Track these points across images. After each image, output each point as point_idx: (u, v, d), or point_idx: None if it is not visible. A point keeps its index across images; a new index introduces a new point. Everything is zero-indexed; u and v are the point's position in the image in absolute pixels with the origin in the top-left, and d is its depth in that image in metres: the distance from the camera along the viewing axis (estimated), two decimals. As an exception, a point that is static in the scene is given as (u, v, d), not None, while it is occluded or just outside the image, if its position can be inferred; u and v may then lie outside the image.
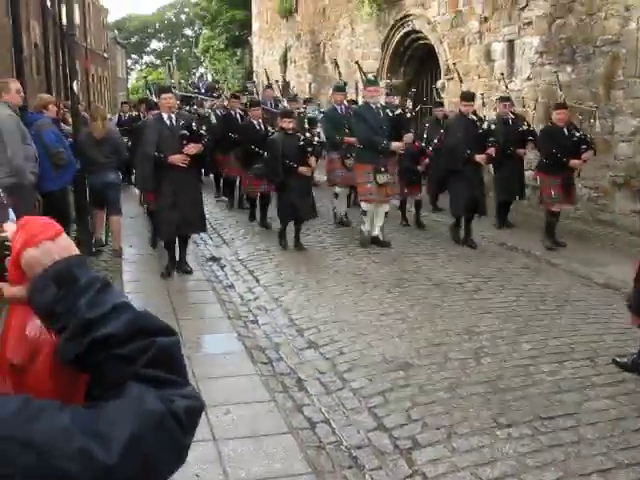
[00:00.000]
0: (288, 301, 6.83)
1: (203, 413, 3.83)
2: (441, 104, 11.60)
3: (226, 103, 13.17)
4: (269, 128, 10.26)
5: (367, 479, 3.68)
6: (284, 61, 23.15)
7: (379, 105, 9.06)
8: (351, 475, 3.72)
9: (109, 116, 17.42)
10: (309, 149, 8.78)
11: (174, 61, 11.84)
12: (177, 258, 7.73)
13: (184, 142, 7.25)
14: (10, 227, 1.14)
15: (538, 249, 8.74)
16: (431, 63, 15.23)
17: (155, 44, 70.38)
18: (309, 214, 9.03)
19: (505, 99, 10.26)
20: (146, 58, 72.31)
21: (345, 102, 10.94)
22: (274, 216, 9.81)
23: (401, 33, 15.73)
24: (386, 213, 9.28)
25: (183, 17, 67.45)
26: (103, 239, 9.11)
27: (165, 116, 7.42)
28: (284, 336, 5.89)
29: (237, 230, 10.40)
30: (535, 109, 11.36)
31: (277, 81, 15.53)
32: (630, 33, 9.51)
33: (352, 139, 9.78)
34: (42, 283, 1.08)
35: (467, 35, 13.26)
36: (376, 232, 9.11)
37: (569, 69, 10.72)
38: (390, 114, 8.97)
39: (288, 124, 8.89)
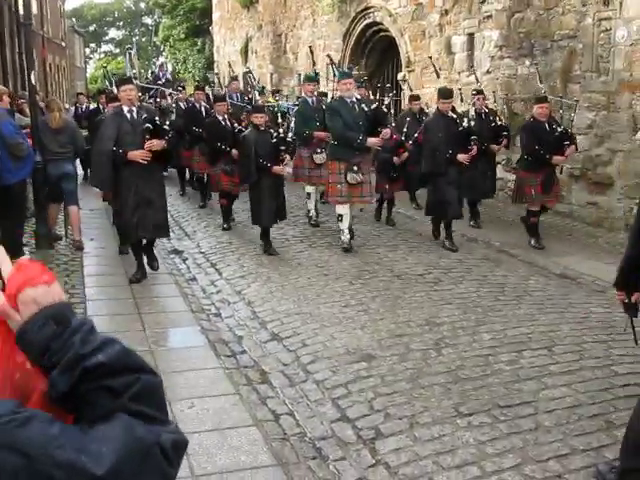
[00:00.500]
0: (251, 294, 6.85)
1: (168, 406, 3.86)
2: (417, 97, 11.11)
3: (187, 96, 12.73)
4: (235, 124, 9.79)
5: (331, 470, 3.74)
6: (245, 51, 23.04)
7: (354, 99, 8.50)
8: (315, 466, 3.77)
9: (66, 106, 17.15)
10: (283, 146, 8.35)
11: (134, 50, 11.32)
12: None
13: (147, 137, 6.76)
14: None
15: (497, 240, 8.89)
16: (392, 55, 15.32)
17: (114, 33, 69.52)
18: (282, 215, 8.61)
19: (479, 92, 9.96)
20: (105, 47, 71.36)
21: (316, 93, 10.41)
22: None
23: (362, 25, 15.80)
24: (361, 209, 9.09)
25: (142, 5, 66.53)
26: (63, 233, 9.01)
27: (125, 109, 6.93)
28: (247, 329, 5.92)
29: (199, 223, 10.37)
30: (495, 102, 11.50)
31: (249, 71, 14.78)
32: (586, 28, 9.69)
33: (322, 134, 9.52)
34: (41, 320, 1.12)
35: (428, 28, 13.37)
36: (345, 238, 8.58)
37: (527, 63, 10.89)
38: (366, 108, 8.40)
39: (260, 119, 8.39)
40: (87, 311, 6.18)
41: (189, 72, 34.81)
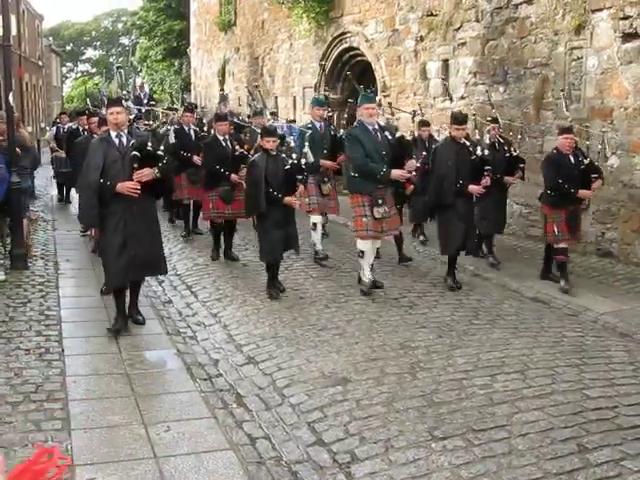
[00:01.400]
0: (227, 317, 6.87)
1: (144, 430, 3.82)
2: (426, 123, 10.43)
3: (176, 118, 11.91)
4: (236, 147, 9.12)
5: (307, 494, 3.75)
6: (222, 74, 23.14)
7: (376, 126, 7.62)
8: (291, 490, 3.78)
9: (47, 127, 17.26)
10: (299, 175, 7.45)
11: (116, 72, 10.65)
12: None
13: (134, 166, 5.94)
14: None
15: (471, 264, 8.98)
16: (368, 79, 15.47)
17: (91, 52, 69.49)
18: (292, 244, 7.66)
19: (494, 120, 9.27)
20: (81, 66, 71.25)
21: (324, 118, 9.59)
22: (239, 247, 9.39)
23: (339, 49, 15.95)
24: (378, 249, 8.31)
25: (120, 26, 66.66)
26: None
27: (113, 134, 6.11)
28: (223, 352, 5.93)
29: (175, 244, 10.37)
30: (476, 127, 11.66)
31: (256, 86, 14.19)
32: (558, 56, 9.91)
33: (329, 163, 9.11)
34: None
35: (403, 53, 13.55)
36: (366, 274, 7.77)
37: (501, 89, 11.08)
38: (389, 137, 7.57)
39: (272, 144, 7.41)
40: (62, 333, 6.15)
41: (166, 93, 34.82)
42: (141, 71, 39.23)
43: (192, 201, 10.83)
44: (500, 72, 11.07)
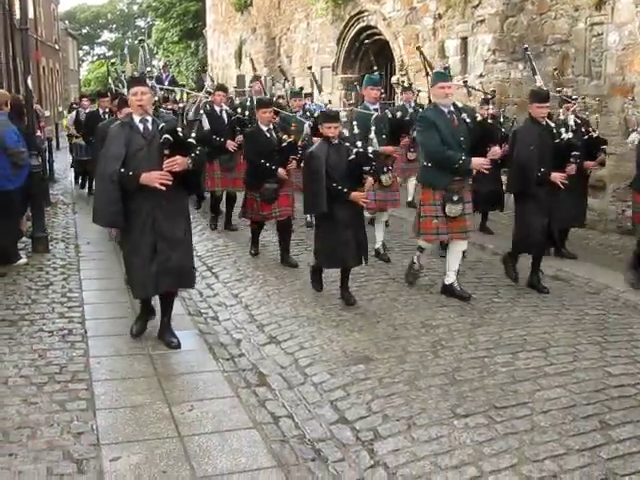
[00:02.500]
0: (248, 297, 6.90)
1: (167, 410, 3.88)
2: (488, 101, 9.44)
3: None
4: (284, 137, 8.01)
5: (331, 471, 3.78)
6: (239, 55, 23.08)
7: (452, 108, 6.59)
8: (315, 467, 3.81)
9: (64, 111, 16.60)
10: (366, 167, 6.33)
11: (143, 47, 9.38)
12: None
13: (165, 154, 5.09)
14: None
15: (491, 242, 8.94)
16: (385, 58, 15.38)
17: (107, 35, 69.61)
18: (363, 256, 6.65)
19: (572, 99, 8.45)
20: (98, 49, 71.40)
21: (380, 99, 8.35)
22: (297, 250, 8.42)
23: (356, 28, 15.86)
24: (464, 252, 7.16)
25: (135, 8, 66.63)
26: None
27: (137, 119, 5.28)
28: (245, 332, 5.96)
29: (194, 226, 10.36)
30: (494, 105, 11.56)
31: (309, 67, 12.20)
32: (579, 32, 9.79)
33: (390, 148, 7.91)
34: None
35: (421, 32, 13.44)
36: (452, 280, 6.84)
37: (521, 67, 10.97)
38: (468, 120, 6.59)
39: (334, 131, 6.43)
40: (85, 315, 6.21)
41: (183, 75, 34.83)
42: (157, 53, 39.21)
43: (226, 193, 9.99)
44: (519, 49, 10.95)
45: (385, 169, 7.78)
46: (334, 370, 5.04)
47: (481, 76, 11.87)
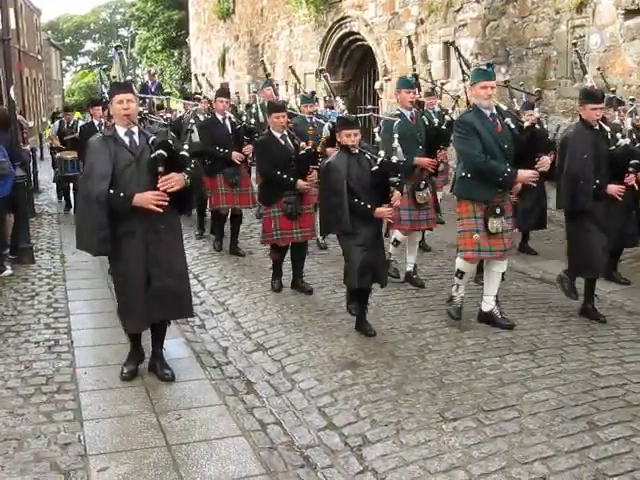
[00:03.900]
0: (234, 304, 6.87)
1: (155, 419, 3.85)
2: (531, 106, 8.46)
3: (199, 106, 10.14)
4: (301, 144, 7.03)
5: (319, 477, 3.77)
6: (223, 62, 23.08)
7: (494, 111, 5.82)
8: (304, 474, 3.80)
9: (48, 121, 15.66)
10: (393, 178, 5.57)
11: (115, 54, 8.42)
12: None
13: (160, 171, 4.55)
14: None
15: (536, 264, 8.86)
16: (369, 64, 15.43)
17: (90, 45, 69.34)
18: (381, 277, 5.93)
19: (619, 102, 7.76)
20: (81, 59, 71.15)
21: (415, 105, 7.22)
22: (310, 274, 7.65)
23: (339, 34, 15.90)
24: (503, 274, 6.30)
25: (118, 17, 66.55)
26: None
27: (121, 131, 4.74)
28: (232, 340, 5.94)
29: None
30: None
31: (323, 69, 10.27)
32: (560, 35, 9.86)
33: (426, 160, 6.91)
34: None
35: (404, 37, 13.48)
36: (491, 307, 6.08)
37: (503, 70, 11.02)
38: (512, 125, 5.80)
39: (354, 139, 5.71)
40: (71, 325, 6.17)
41: (166, 83, 34.78)
42: (141, 62, 39.19)
43: (230, 211, 8.98)
44: (502, 53, 11.02)
45: (422, 185, 6.98)
46: (321, 376, 5.03)
47: (464, 80, 11.90)
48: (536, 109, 8.42)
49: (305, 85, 15.91)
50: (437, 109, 9.42)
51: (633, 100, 7.82)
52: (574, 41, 8.37)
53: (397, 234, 7.28)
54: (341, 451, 4.02)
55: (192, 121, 9.37)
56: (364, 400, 4.61)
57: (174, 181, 4.59)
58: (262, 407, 4.63)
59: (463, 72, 7.13)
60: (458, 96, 9.18)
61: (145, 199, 4.59)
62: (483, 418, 4.31)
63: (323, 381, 4.95)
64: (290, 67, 11.13)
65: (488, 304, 6.08)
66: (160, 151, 4.56)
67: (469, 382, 4.86)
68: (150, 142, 4.72)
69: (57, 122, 13.70)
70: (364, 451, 4.00)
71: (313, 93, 9.61)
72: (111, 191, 4.56)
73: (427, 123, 7.16)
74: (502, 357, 5.29)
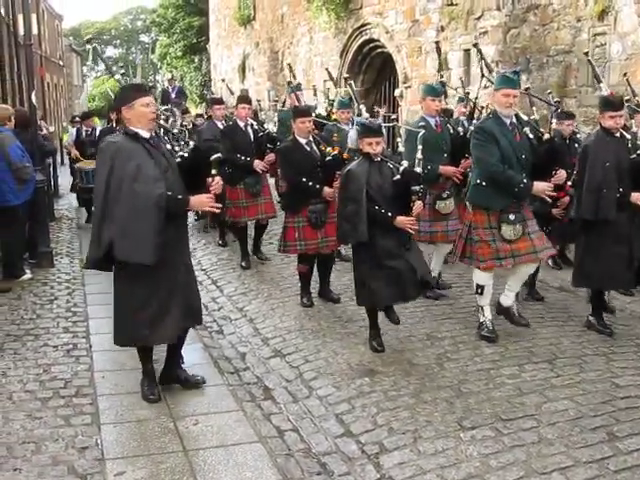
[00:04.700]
0: (252, 310, 6.88)
1: (172, 424, 3.83)
2: (570, 115, 7.99)
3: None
4: (327, 150, 6.84)
5: (336, 485, 3.77)
6: (243, 69, 23.16)
7: (514, 119, 5.71)
8: (320, 481, 3.80)
9: (64, 124, 14.75)
10: (415, 188, 5.44)
11: (94, 48, 7.51)
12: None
13: (212, 173, 4.61)
14: None
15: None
16: (389, 71, 15.42)
17: (111, 51, 69.80)
18: (415, 290, 5.67)
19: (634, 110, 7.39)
20: (102, 65, 71.63)
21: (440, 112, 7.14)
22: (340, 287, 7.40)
23: (359, 42, 15.89)
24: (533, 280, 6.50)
25: (139, 24, 67.02)
26: None
27: (145, 135, 4.53)
28: (250, 346, 5.95)
29: (198, 240, 10.39)
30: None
31: (346, 78, 9.97)
32: (581, 43, 9.79)
33: (451, 169, 6.87)
34: None
35: (424, 44, 13.47)
36: (510, 302, 6.06)
37: (524, 78, 10.94)
38: (531, 136, 5.71)
39: (376, 147, 5.52)
40: (89, 329, 6.21)
41: (187, 89, 34.97)
42: (161, 68, 39.43)
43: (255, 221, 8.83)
44: (522, 60, 10.96)
45: (445, 194, 6.90)
46: (339, 383, 5.02)
47: (485, 87, 11.86)
48: (573, 121, 8.05)
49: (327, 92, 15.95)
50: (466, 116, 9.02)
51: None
52: (586, 50, 8.24)
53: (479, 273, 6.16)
54: (358, 459, 4.01)
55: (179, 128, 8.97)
56: (381, 408, 4.60)
57: (219, 185, 4.63)
58: (279, 413, 4.63)
59: (483, 75, 7.01)
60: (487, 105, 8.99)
61: (200, 202, 4.57)
62: (501, 427, 4.28)
63: (341, 388, 4.94)
64: (326, 69, 10.80)
65: (509, 298, 6.04)
66: (218, 155, 4.69)
67: (487, 391, 4.83)
68: (186, 147, 4.83)
69: (74, 130, 12.98)
70: (381, 459, 3.99)
71: (351, 99, 8.86)
72: (169, 193, 4.41)
73: (452, 131, 7.08)
74: (521, 366, 5.25)
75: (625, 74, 8.70)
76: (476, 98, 8.04)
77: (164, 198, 4.36)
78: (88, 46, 7.07)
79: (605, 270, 5.92)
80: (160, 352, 5.04)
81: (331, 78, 10.59)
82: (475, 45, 8.16)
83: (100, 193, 4.47)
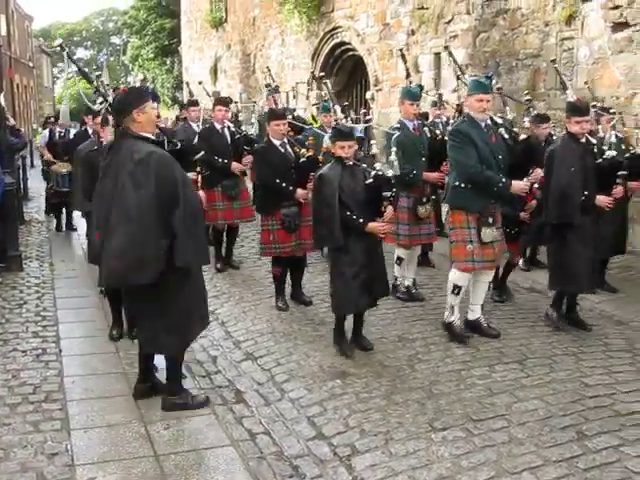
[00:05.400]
0: (224, 313, 6.86)
1: (143, 428, 3.81)
2: (545, 118, 7.81)
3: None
4: (302, 152, 6.90)
5: (308, 487, 3.77)
6: (214, 71, 23.09)
7: (489, 121, 5.81)
8: (292, 484, 3.80)
9: (39, 128, 14.05)
10: (387, 193, 5.46)
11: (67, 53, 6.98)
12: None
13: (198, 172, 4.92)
14: None
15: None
16: (359, 74, 15.48)
17: (82, 52, 69.19)
18: (382, 290, 5.83)
19: (604, 110, 7.70)
20: (73, 67, 70.94)
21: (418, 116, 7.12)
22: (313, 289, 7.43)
23: (331, 44, 15.94)
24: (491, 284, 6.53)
25: (111, 25, 66.54)
26: None
27: (152, 139, 4.59)
28: (221, 349, 5.92)
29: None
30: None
31: (321, 77, 9.96)
32: (550, 47, 9.93)
33: (434, 175, 6.98)
34: None
35: (395, 47, 13.54)
36: (478, 315, 6.13)
37: (493, 81, 11.06)
38: (506, 136, 5.85)
39: (348, 150, 5.51)
40: (59, 334, 6.14)
41: (158, 92, 34.76)
42: (132, 70, 39.16)
43: (227, 225, 8.66)
44: (492, 64, 11.07)
45: (424, 199, 6.92)
46: (311, 386, 5.02)
47: (454, 91, 11.96)
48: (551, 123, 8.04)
49: (297, 95, 15.96)
50: (444, 120, 9.30)
51: (613, 113, 7.78)
52: (553, 58, 8.37)
53: (399, 251, 7.13)
54: (330, 461, 4.02)
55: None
56: (353, 410, 4.61)
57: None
58: (251, 417, 4.62)
59: (458, 77, 7.04)
60: (458, 105, 9.04)
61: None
62: (472, 428, 4.31)
63: (312, 391, 4.94)
64: (446, 47, 10.09)
65: (475, 312, 6.11)
66: (202, 152, 5.06)
67: (458, 392, 4.86)
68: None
69: (46, 131, 12.44)
70: (353, 461, 3.99)
71: (325, 102, 9.01)
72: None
73: (429, 135, 7.13)
74: (491, 367, 5.30)
75: (586, 82, 8.87)
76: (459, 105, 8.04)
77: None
78: (61, 50, 6.75)
79: (571, 273, 6.04)
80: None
81: (272, 79, 10.68)
82: (446, 48, 8.26)
83: (151, 206, 4.30)
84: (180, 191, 4.32)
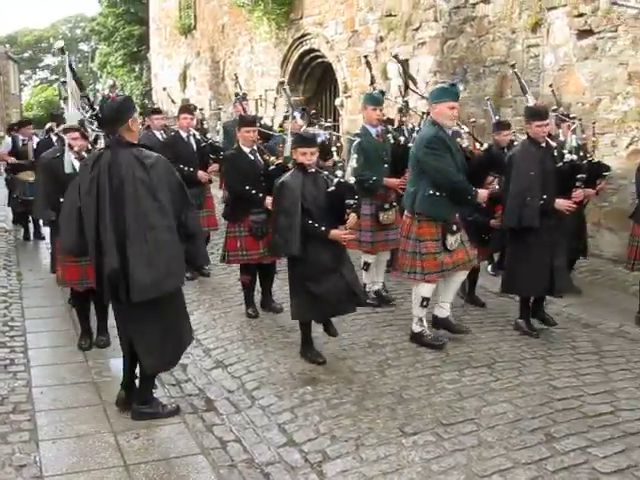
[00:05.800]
0: (194, 321, 6.72)
1: (113, 438, 3.78)
2: (506, 125, 7.92)
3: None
4: (271, 159, 6.87)
5: (279, 494, 3.76)
6: (184, 78, 23.01)
7: (449, 132, 5.81)
8: (263, 491, 3.79)
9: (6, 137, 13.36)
10: (349, 201, 5.39)
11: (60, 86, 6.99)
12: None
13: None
14: None
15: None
16: (328, 81, 15.54)
17: (49, 59, 68.53)
18: (350, 305, 5.65)
19: (566, 116, 7.79)
20: (40, 74, 70.30)
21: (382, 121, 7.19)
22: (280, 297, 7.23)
23: (300, 51, 15.97)
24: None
25: (78, 32, 65.99)
26: None
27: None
28: (191, 357, 5.88)
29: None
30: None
31: (282, 82, 10.39)
32: (516, 54, 10.05)
33: (395, 181, 6.90)
34: None
35: (363, 54, 13.60)
36: (447, 313, 6.17)
37: (461, 87, 11.14)
38: (463, 145, 6.01)
39: (310, 157, 5.47)
40: (27, 344, 6.07)
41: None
42: (101, 77, 38.90)
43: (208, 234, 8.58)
44: (460, 71, 11.18)
45: (387, 205, 6.90)
46: (281, 393, 5.01)
47: (422, 97, 12.05)
48: (513, 130, 8.14)
49: (266, 101, 15.95)
50: (410, 126, 8.91)
51: (574, 118, 7.81)
52: (513, 62, 8.43)
53: (365, 257, 7.12)
54: (301, 468, 4.01)
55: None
56: (324, 416, 4.61)
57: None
58: (222, 425, 4.60)
59: (407, 87, 7.10)
60: (425, 112, 9.06)
61: None
62: (442, 432, 4.34)
63: (283, 397, 4.94)
64: (395, 56, 9.83)
65: (445, 310, 6.12)
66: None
67: (428, 396, 4.89)
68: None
69: (9, 139, 11.79)
70: (324, 467, 3.99)
71: (304, 109, 9.03)
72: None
73: (393, 141, 7.09)
74: (461, 371, 5.34)
75: (550, 85, 8.98)
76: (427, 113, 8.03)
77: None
78: (64, 56, 6.55)
79: (528, 277, 6.09)
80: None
81: (239, 87, 10.75)
82: (395, 57, 8.25)
83: (169, 210, 4.36)
84: (187, 193, 4.49)
